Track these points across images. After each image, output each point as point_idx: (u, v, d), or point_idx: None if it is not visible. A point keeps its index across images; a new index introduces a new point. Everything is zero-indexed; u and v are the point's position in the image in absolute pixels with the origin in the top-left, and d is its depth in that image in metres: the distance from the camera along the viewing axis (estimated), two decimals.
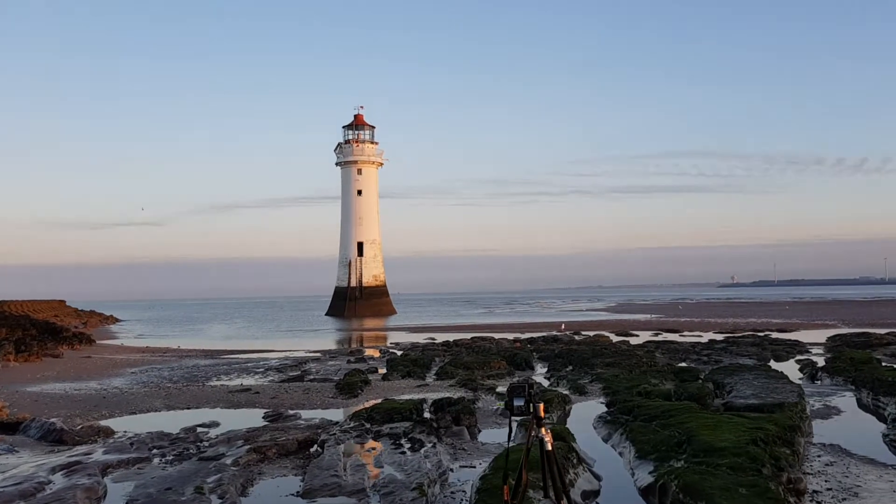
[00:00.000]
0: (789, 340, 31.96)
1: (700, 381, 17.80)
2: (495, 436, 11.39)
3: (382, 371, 21.63)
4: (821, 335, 35.46)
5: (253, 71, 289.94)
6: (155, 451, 10.11)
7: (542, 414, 4.23)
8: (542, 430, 4.13)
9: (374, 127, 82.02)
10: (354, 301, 77.51)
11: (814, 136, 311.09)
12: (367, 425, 11.16)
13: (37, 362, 26.19)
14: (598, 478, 8.71)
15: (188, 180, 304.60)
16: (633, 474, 8.80)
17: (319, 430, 11.14)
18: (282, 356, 29.98)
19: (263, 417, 13.40)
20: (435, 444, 9.70)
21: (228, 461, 8.90)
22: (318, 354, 30.21)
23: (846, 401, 15.62)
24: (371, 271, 79.42)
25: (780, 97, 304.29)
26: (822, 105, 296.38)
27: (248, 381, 20.36)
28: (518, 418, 4.40)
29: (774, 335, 35.95)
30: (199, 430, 12.25)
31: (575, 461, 8.56)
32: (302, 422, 12.50)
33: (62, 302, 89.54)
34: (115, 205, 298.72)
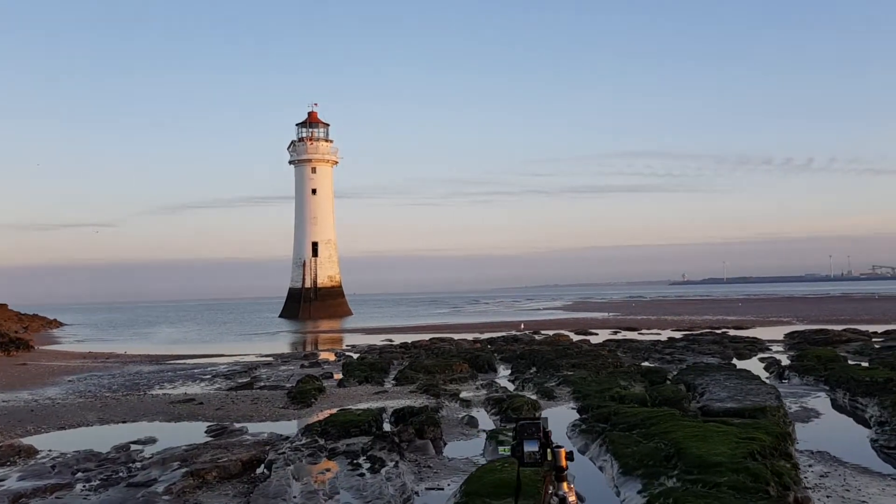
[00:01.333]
0: (748, 338, 31.77)
1: (669, 382, 17.18)
2: (462, 449, 10.42)
3: (338, 376, 20.50)
4: (778, 332, 35.40)
5: (206, 68, 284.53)
6: (80, 474, 8.91)
7: (564, 463, 3.21)
8: (564, 485, 3.13)
9: (328, 125, 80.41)
10: (309, 302, 75.79)
11: (762, 137, 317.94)
12: (321, 441, 10.08)
13: None
14: (580, 498, 7.81)
15: (138, 181, 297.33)
16: (618, 493, 7.92)
17: (268, 448, 10.04)
18: (231, 361, 28.63)
19: (206, 432, 12.20)
20: (397, 462, 8.67)
21: (161, 488, 7.76)
22: (270, 359, 28.92)
23: (821, 402, 15.09)
24: (326, 272, 77.78)
25: (730, 98, 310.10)
26: (770, 106, 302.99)
27: (194, 389, 19.08)
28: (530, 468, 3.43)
29: (732, 332, 35.80)
30: (133, 447, 11.03)
31: None
32: (249, 437, 11.36)
33: (3, 305, 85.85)
34: (64, 206, 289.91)
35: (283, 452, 9.35)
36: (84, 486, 8.32)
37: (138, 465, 9.48)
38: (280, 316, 77.75)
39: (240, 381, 20.60)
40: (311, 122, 79.41)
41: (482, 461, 9.20)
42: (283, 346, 38.41)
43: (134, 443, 11.35)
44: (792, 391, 16.30)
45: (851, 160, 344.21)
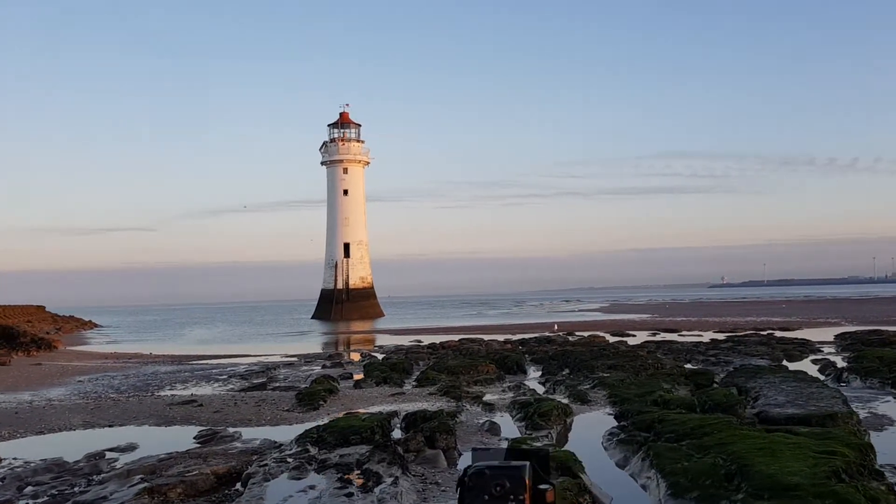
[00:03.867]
0: (796, 339, 29.80)
1: (717, 385, 15.51)
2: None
3: (358, 377, 19.16)
4: (827, 333, 33.38)
5: (240, 73, 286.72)
6: (28, 488, 7.63)
7: None
8: None
9: (359, 125, 79.43)
10: (341, 303, 74.87)
11: (806, 136, 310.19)
12: (313, 451, 8.65)
13: None
14: None
15: (177, 185, 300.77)
16: None
17: (255, 457, 8.66)
18: (254, 361, 27.59)
19: (195, 438, 10.86)
20: (396, 478, 7.18)
21: None
22: (294, 359, 27.81)
23: (892, 407, 13.34)
24: (358, 273, 76.80)
25: (773, 97, 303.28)
26: (815, 105, 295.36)
27: (205, 390, 17.89)
28: None
29: (778, 334, 33.73)
30: (109, 455, 9.75)
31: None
32: (239, 444, 9.98)
33: (41, 307, 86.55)
34: (105, 211, 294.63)
35: (266, 465, 7.94)
36: None
37: (103, 475, 8.16)
38: (312, 317, 77.03)
39: (255, 381, 19.45)
40: (342, 122, 78.53)
41: None
42: (309, 346, 37.32)
43: (111, 450, 10.08)
44: (856, 395, 14.52)
45: None
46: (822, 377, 17.41)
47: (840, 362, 20.32)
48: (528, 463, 1.47)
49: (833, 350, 25.16)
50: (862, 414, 12.26)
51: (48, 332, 52.56)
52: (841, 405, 11.51)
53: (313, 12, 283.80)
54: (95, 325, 78.60)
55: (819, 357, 22.82)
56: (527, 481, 1.47)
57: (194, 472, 7.55)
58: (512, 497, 1.44)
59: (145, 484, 7.11)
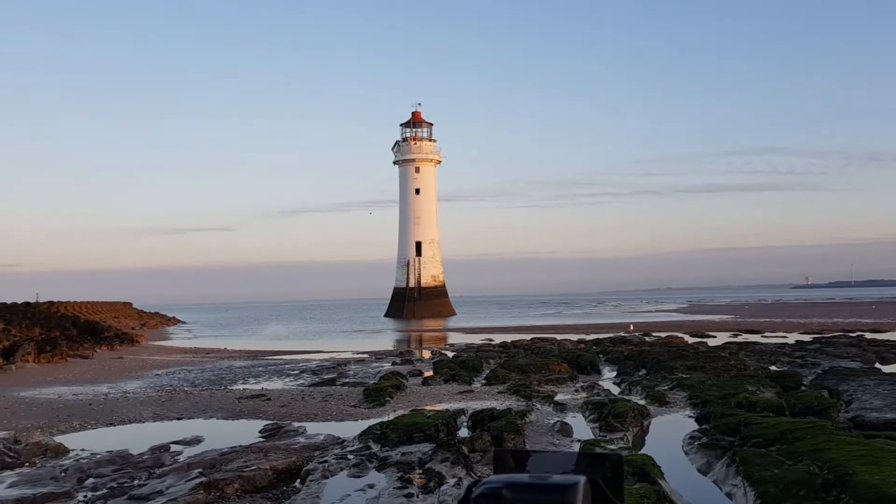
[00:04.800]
0: (889, 341, 28.03)
1: (805, 388, 14.55)
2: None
3: (428, 374, 18.89)
4: None
5: (313, 73, 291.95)
6: (90, 480, 7.56)
7: None
8: None
9: (431, 124, 79.49)
10: (413, 302, 75.09)
11: (894, 131, 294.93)
12: (375, 448, 8.34)
13: (60, 363, 24.38)
14: None
15: (255, 186, 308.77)
16: None
17: (316, 453, 8.41)
18: (326, 357, 27.75)
19: (260, 432, 10.73)
20: (460, 479, 6.79)
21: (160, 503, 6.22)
22: (365, 356, 27.85)
23: None
24: (430, 271, 76.89)
25: (859, 91, 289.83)
26: None
27: (276, 384, 17.93)
28: None
29: (869, 336, 31.83)
30: (174, 448, 9.70)
31: None
32: (302, 439, 9.77)
33: (128, 304, 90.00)
34: (187, 211, 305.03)
35: (325, 461, 7.67)
36: (83, 497, 6.93)
37: (164, 468, 8.05)
38: (385, 315, 77.54)
39: (325, 376, 19.45)
40: (414, 121, 78.77)
41: None
42: (381, 343, 37.38)
43: (176, 442, 10.03)
44: None
45: None
46: None
47: None
48: (581, 479, 0.92)
49: None
50: None
51: (133, 328, 54.47)
52: None
53: (386, 13, 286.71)
54: (178, 322, 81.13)
55: None
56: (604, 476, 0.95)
57: (252, 468, 7.34)
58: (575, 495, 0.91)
59: (203, 479, 6.93)
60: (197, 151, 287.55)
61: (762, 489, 6.32)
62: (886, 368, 19.10)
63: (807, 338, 31.23)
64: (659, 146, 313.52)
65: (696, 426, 10.42)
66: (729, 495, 6.96)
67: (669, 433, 10.24)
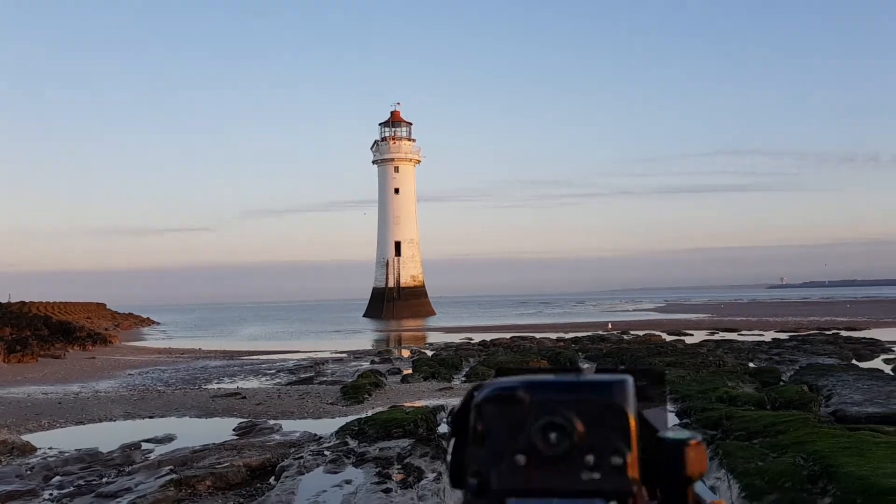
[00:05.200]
0: (865, 339, 28.33)
1: (784, 383, 14.57)
2: None
3: (407, 372, 18.72)
4: None
5: (291, 72, 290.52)
6: (56, 478, 7.30)
7: None
8: None
9: (410, 124, 79.29)
10: (392, 302, 74.81)
11: (869, 133, 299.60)
12: (353, 444, 8.14)
13: (31, 363, 23.89)
14: None
15: (233, 186, 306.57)
16: None
17: (292, 450, 8.20)
18: (303, 357, 27.47)
19: (234, 430, 10.49)
20: (440, 474, 6.63)
21: (126, 501, 5.98)
22: (343, 355, 27.63)
23: None
24: (409, 271, 76.66)
25: (833, 93, 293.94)
26: (876, 100, 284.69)
27: (252, 383, 17.65)
28: None
29: (844, 333, 32.14)
30: (145, 446, 9.45)
31: None
32: (277, 436, 9.55)
33: (101, 305, 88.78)
34: (165, 211, 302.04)
35: (301, 457, 7.46)
36: (48, 495, 6.67)
37: (134, 466, 7.80)
38: (364, 315, 77.19)
39: (302, 375, 19.21)
40: (393, 121, 78.52)
41: None
42: (359, 343, 37.10)
43: (148, 441, 9.78)
44: None
45: None
46: None
47: None
48: (628, 378, 0.69)
49: None
50: None
51: (106, 329, 53.69)
52: None
53: (364, 12, 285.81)
54: (153, 322, 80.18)
55: (891, 356, 21.61)
56: (630, 418, 0.67)
57: (225, 465, 7.12)
58: (596, 455, 0.67)
59: (173, 476, 6.70)
60: (176, 151, 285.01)
61: (747, 481, 6.22)
62: (863, 364, 19.25)
63: (783, 336, 31.43)
64: (638, 148, 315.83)
65: (677, 420, 10.34)
66: (713, 489, 6.84)
67: None
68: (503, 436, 0.68)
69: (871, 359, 21.58)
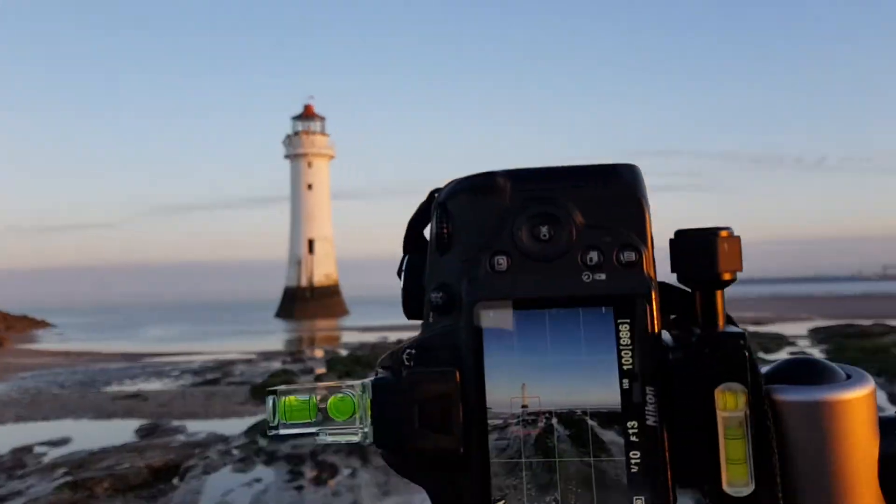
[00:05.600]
0: (770, 333, 29.82)
1: None
2: None
3: (320, 371, 18.39)
4: (800, 328, 33.45)
5: (202, 66, 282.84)
6: None
7: None
8: None
9: (324, 118, 78.16)
10: (305, 301, 73.67)
11: (773, 136, 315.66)
12: (263, 443, 7.87)
13: None
14: None
15: (138, 181, 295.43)
16: None
17: (197, 450, 7.84)
18: (210, 358, 26.64)
19: (136, 432, 9.98)
20: (355, 469, 6.43)
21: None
22: (253, 356, 26.98)
23: (881, 396, 12.98)
24: (323, 270, 75.66)
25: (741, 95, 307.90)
26: (785, 107, 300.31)
27: (154, 385, 16.92)
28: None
29: (752, 328, 33.73)
30: (38, 449, 8.87)
31: None
32: (182, 437, 9.13)
33: None
34: (63, 207, 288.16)
35: (207, 457, 7.13)
36: None
37: (26, 470, 7.28)
38: (276, 315, 75.67)
39: (209, 377, 18.57)
40: (306, 115, 77.31)
41: None
42: (271, 343, 36.30)
43: (41, 444, 9.18)
44: None
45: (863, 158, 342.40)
46: None
47: (818, 354, 20.25)
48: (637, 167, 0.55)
49: (809, 343, 25.15)
50: None
51: None
52: None
53: (281, 6, 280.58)
54: (49, 325, 76.40)
55: (796, 349, 22.81)
56: (645, 207, 0.52)
57: (125, 466, 6.72)
58: (601, 252, 0.51)
59: (69, 478, 6.26)
60: (75, 144, 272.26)
61: None
62: (769, 357, 20.22)
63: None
64: (555, 145, 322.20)
65: None
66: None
67: None
68: (477, 236, 0.51)
69: (777, 351, 22.72)
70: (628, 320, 0.49)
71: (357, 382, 0.53)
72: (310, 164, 75.61)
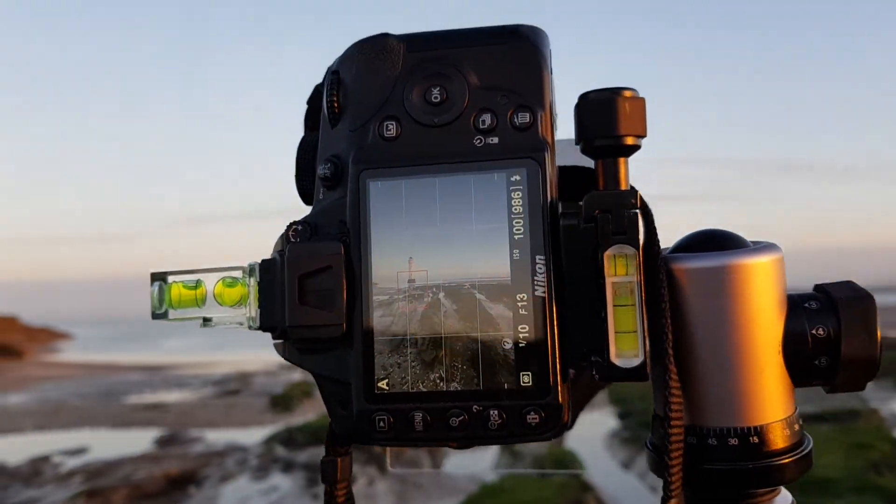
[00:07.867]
0: None
1: None
2: (469, 462, 8.03)
3: None
4: None
5: (222, 81, 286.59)
6: None
7: None
8: None
9: None
10: None
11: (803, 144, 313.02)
12: (281, 451, 7.77)
13: None
14: None
15: (159, 195, 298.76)
16: None
17: (216, 459, 7.76)
18: (231, 369, 26.72)
19: (155, 441, 9.95)
20: (372, 479, 6.33)
21: None
22: (274, 367, 26.99)
23: None
24: None
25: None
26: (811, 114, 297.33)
27: (175, 395, 16.95)
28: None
29: None
30: (57, 458, 8.84)
31: None
32: (200, 447, 9.07)
33: (11, 318, 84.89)
34: (86, 219, 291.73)
35: (225, 466, 7.05)
36: None
37: (39, 480, 7.24)
38: None
39: (231, 387, 18.63)
40: None
41: (492, 477, 6.93)
42: None
43: (61, 453, 9.17)
44: (864, 395, 13.85)
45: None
46: None
47: None
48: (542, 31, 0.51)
49: None
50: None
51: (17, 342, 51.29)
52: (858, 401, 10.83)
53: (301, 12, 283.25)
54: (69, 336, 77.26)
55: None
56: (544, 67, 0.49)
57: (142, 474, 6.65)
58: (494, 114, 0.48)
59: (85, 486, 6.19)
60: (100, 159, 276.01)
61: None
62: None
63: None
64: None
65: (618, 422, 10.34)
66: (652, 488, 6.77)
67: (590, 430, 10.07)
68: (367, 103, 0.47)
69: None
70: (520, 187, 0.46)
71: (245, 265, 0.51)
72: None
